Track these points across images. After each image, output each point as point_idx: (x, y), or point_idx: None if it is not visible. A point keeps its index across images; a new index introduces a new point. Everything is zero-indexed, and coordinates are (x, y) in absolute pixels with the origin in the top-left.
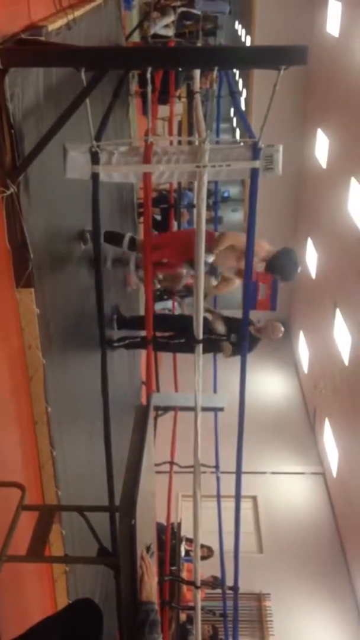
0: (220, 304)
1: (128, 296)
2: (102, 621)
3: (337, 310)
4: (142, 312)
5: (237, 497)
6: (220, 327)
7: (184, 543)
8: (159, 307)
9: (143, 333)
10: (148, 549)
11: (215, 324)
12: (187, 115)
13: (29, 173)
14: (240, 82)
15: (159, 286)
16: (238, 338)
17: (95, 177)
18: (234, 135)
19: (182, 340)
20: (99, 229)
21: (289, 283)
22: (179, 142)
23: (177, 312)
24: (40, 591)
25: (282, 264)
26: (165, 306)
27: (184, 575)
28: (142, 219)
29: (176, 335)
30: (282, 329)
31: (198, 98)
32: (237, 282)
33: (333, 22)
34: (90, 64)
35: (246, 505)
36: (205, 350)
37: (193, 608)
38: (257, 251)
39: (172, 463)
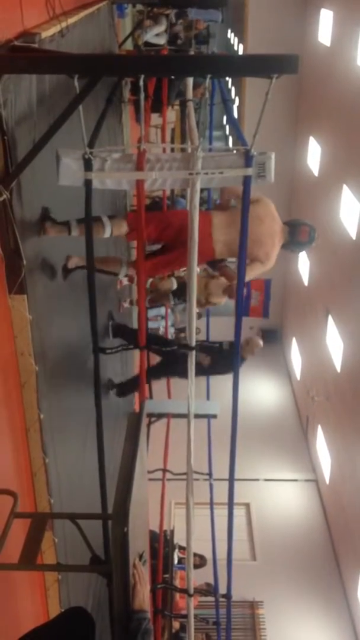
0: (213, 310)
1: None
2: (95, 630)
3: (330, 317)
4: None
5: (230, 504)
6: (206, 361)
7: (176, 551)
8: (152, 313)
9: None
10: (141, 556)
11: (202, 360)
12: (180, 122)
13: (22, 179)
14: (233, 89)
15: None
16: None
17: (88, 183)
18: (226, 143)
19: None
20: (92, 235)
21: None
22: (172, 150)
23: (170, 318)
24: (32, 599)
25: (307, 241)
26: (158, 312)
27: (177, 583)
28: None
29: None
30: (261, 342)
31: (191, 106)
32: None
33: (325, 31)
34: (83, 71)
35: (239, 513)
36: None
37: (186, 616)
38: (277, 242)
39: (164, 470)
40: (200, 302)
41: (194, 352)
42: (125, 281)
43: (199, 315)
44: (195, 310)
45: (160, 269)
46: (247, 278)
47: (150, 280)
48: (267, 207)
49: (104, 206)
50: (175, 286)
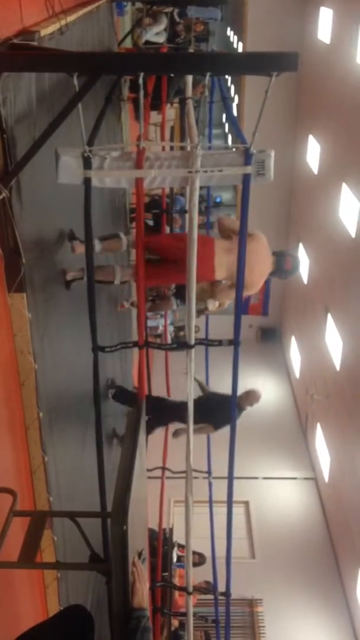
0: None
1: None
2: (94, 628)
3: (329, 315)
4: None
5: (229, 503)
6: (211, 430)
7: (175, 549)
8: (151, 312)
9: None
10: (140, 554)
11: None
12: (179, 120)
13: (21, 178)
14: (232, 87)
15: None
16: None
17: (87, 182)
18: (226, 141)
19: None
20: (91, 234)
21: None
22: (171, 148)
23: (169, 317)
24: (31, 597)
25: (290, 269)
26: (157, 311)
27: (176, 581)
28: (134, 224)
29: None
30: (261, 395)
31: (190, 104)
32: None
33: (324, 29)
34: (83, 69)
35: (238, 511)
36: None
37: (185, 614)
38: (265, 271)
39: (164, 468)
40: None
41: (192, 350)
42: (127, 305)
43: (198, 314)
44: (194, 308)
45: (158, 282)
46: (229, 299)
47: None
48: (262, 241)
49: (104, 205)
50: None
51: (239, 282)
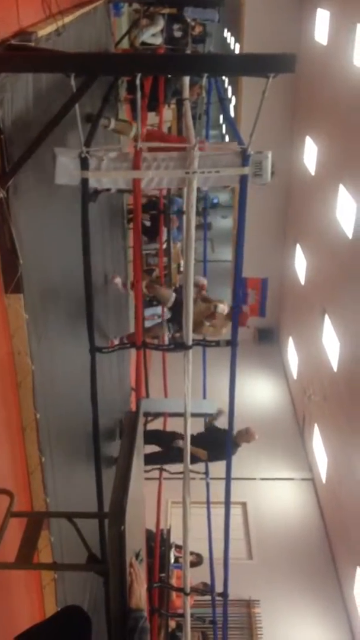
0: None
1: (118, 306)
2: (91, 629)
3: (326, 316)
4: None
5: (227, 504)
6: (204, 457)
7: (173, 550)
8: (149, 313)
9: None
10: (137, 555)
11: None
12: (176, 121)
13: (19, 178)
14: (230, 89)
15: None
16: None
17: (84, 182)
18: (223, 142)
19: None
20: (88, 233)
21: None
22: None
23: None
24: (28, 598)
25: None
26: (155, 312)
27: (174, 582)
28: (131, 225)
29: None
30: (257, 435)
31: (187, 105)
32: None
33: (321, 30)
34: (80, 70)
35: (236, 512)
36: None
37: (182, 615)
38: None
39: (161, 469)
40: (201, 327)
41: (190, 351)
42: (119, 283)
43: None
44: (192, 308)
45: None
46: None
47: (145, 282)
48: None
49: (101, 205)
50: (173, 299)
51: (236, 283)
